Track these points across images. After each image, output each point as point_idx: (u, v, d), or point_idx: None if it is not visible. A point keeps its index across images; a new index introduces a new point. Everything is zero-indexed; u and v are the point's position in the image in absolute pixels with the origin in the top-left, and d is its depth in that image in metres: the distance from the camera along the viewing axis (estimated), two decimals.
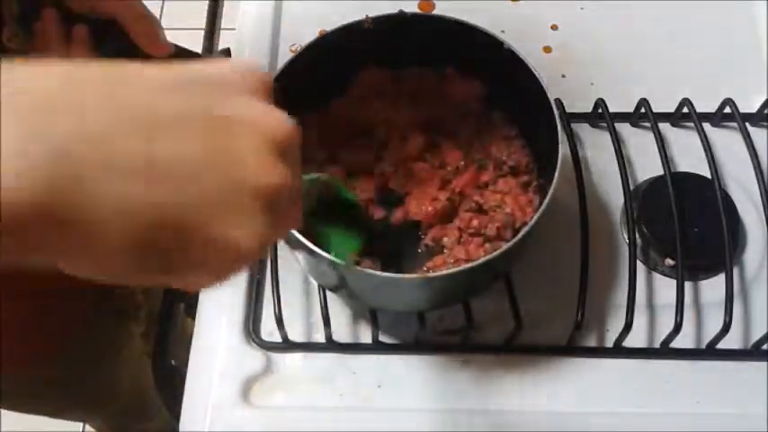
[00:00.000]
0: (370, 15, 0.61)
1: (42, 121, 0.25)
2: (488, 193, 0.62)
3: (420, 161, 0.63)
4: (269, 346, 0.63)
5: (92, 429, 1.23)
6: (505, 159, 0.63)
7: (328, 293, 0.61)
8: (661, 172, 0.66)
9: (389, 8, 0.62)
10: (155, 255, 0.27)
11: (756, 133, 0.71)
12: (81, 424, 1.40)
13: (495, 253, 0.53)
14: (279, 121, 0.30)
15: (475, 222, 0.60)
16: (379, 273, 0.52)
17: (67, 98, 0.26)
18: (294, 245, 0.54)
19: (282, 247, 0.63)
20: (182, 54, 0.57)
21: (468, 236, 0.60)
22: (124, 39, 0.54)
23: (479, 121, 0.65)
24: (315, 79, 0.60)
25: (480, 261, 0.52)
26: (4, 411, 0.93)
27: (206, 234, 0.27)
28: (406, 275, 0.53)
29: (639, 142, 0.72)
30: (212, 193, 0.27)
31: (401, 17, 0.62)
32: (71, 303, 0.72)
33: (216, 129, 0.28)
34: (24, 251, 0.25)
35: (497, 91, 0.65)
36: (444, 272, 0.53)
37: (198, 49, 0.60)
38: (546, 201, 0.54)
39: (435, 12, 0.77)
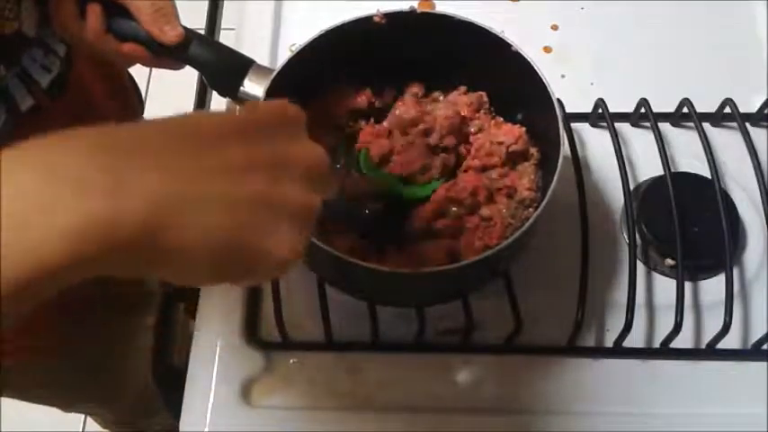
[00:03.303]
0: (371, 14, 0.61)
1: (137, 166, 0.31)
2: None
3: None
4: (269, 346, 0.63)
5: (92, 429, 1.23)
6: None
7: (328, 294, 0.61)
8: (661, 172, 0.66)
9: (390, 8, 0.62)
10: (225, 265, 0.34)
11: (756, 133, 0.71)
12: (81, 423, 1.40)
13: (493, 250, 0.53)
14: (315, 154, 0.38)
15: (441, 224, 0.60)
16: (377, 267, 0.52)
17: (154, 146, 0.32)
18: None
19: None
20: (192, 38, 0.58)
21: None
22: (135, 19, 0.56)
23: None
24: (316, 76, 0.60)
25: (477, 258, 0.52)
26: (4, 412, 0.93)
27: (260, 248, 0.34)
28: (404, 270, 0.53)
29: (639, 142, 0.72)
30: (266, 219, 0.34)
31: (412, 14, 0.62)
32: (80, 292, 0.72)
33: (279, 162, 0.35)
34: (129, 270, 0.32)
35: (499, 91, 0.65)
36: (441, 267, 0.53)
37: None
38: (545, 200, 0.54)
39: (435, 11, 0.76)
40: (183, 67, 0.62)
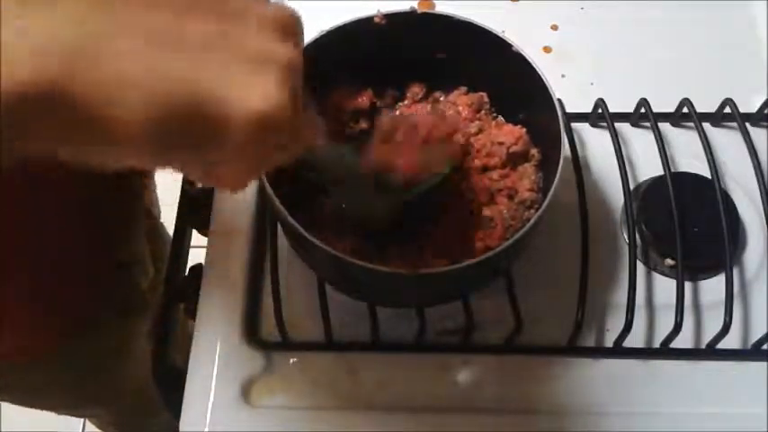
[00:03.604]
0: (372, 14, 0.61)
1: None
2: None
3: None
4: (269, 346, 0.63)
5: (92, 430, 1.23)
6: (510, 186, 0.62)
7: (328, 294, 0.61)
8: (661, 172, 0.66)
9: (391, 8, 0.62)
10: (176, 131, 0.27)
11: (756, 133, 0.71)
12: (81, 424, 1.40)
13: (494, 251, 0.53)
14: (282, 8, 0.33)
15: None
16: (377, 267, 0.52)
17: None
18: (292, 234, 0.55)
19: (282, 248, 0.64)
20: None
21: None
22: None
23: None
24: (317, 76, 0.60)
25: (478, 259, 0.52)
26: (4, 411, 0.93)
27: (219, 98, 0.28)
28: (404, 271, 0.53)
29: (639, 142, 0.72)
30: (225, 62, 0.28)
31: (412, 14, 0.62)
32: (79, 294, 0.72)
33: (229, 12, 0.30)
34: (42, 135, 0.26)
35: (499, 91, 0.65)
36: (441, 269, 0.53)
37: None
38: (546, 200, 0.54)
39: (435, 11, 0.76)
40: None
